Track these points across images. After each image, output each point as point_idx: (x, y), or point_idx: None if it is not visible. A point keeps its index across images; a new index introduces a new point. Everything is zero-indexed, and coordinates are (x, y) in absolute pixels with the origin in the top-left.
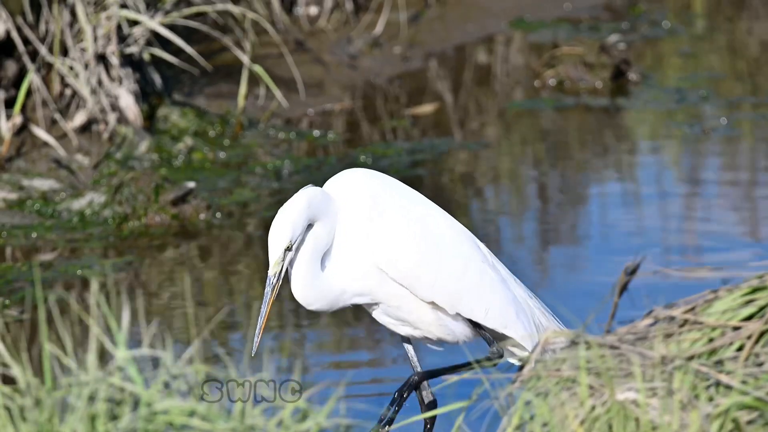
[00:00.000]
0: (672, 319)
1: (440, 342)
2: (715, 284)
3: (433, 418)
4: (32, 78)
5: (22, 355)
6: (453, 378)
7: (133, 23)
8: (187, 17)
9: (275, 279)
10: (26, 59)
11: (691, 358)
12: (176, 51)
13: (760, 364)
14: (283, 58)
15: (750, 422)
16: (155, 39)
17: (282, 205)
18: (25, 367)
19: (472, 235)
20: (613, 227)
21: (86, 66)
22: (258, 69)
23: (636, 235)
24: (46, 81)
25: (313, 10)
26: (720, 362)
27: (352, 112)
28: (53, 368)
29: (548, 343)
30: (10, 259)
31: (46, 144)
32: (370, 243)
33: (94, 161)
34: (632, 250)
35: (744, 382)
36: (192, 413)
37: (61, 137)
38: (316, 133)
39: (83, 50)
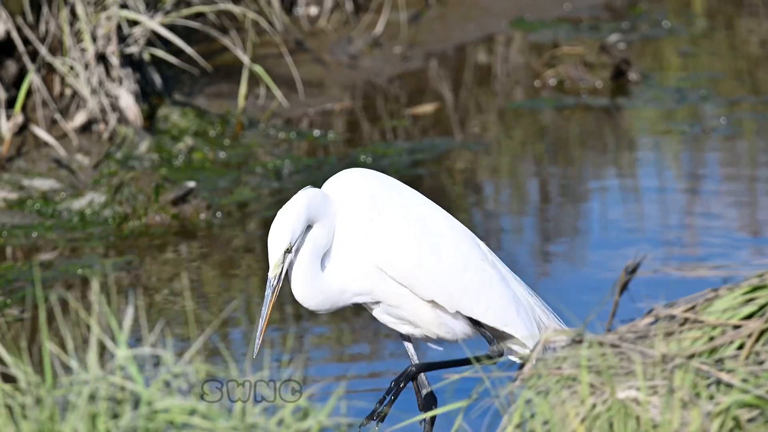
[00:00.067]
0: (672, 317)
1: (440, 341)
2: (716, 283)
3: (433, 417)
4: (32, 78)
5: (22, 354)
6: (454, 376)
7: (133, 23)
8: (187, 17)
9: (275, 281)
10: (26, 59)
11: (691, 356)
12: (176, 51)
13: (761, 363)
14: (284, 58)
15: (751, 420)
16: (155, 39)
17: (282, 205)
18: (25, 366)
19: (471, 233)
20: (614, 226)
21: (86, 66)
22: (258, 69)
23: (636, 233)
24: (47, 81)
25: (313, 10)
26: (720, 361)
27: (353, 111)
28: (54, 367)
29: (549, 341)
30: (11, 259)
31: (46, 144)
32: (369, 243)
33: (94, 161)
34: (632, 249)
35: (744, 381)
36: (193, 412)
37: (62, 137)
38: (317, 132)
39: (83, 50)
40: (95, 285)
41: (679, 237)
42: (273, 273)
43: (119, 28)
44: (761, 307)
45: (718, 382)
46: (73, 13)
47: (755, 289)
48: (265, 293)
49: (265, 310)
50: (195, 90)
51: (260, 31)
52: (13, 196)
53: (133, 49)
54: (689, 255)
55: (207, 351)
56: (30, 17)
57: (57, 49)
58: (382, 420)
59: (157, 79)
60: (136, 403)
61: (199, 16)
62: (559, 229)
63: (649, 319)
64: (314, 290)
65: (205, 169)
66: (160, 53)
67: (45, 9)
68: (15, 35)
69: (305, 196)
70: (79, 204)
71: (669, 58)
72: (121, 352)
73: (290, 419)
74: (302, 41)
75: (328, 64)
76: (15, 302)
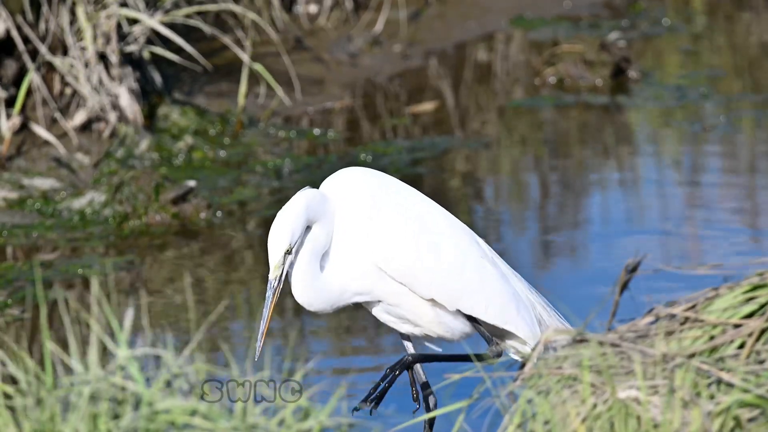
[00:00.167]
0: (673, 316)
1: (440, 340)
2: (716, 282)
3: (433, 417)
4: (32, 77)
5: (22, 354)
6: (454, 376)
7: (133, 22)
8: (186, 16)
9: (276, 283)
10: (26, 58)
11: (692, 355)
12: (176, 49)
13: (762, 362)
14: (283, 57)
15: (751, 420)
16: (155, 38)
17: (282, 204)
18: (26, 367)
19: (471, 231)
20: (614, 225)
21: (86, 65)
22: (258, 67)
23: (636, 232)
24: (46, 80)
25: (313, 8)
26: (721, 360)
27: (353, 110)
28: (55, 367)
29: (549, 341)
30: (11, 259)
31: (46, 143)
32: (369, 242)
33: (94, 160)
34: (633, 248)
35: (745, 380)
36: (193, 412)
37: (62, 136)
38: (317, 131)
39: (83, 49)
40: (95, 285)
41: (680, 235)
42: (273, 274)
43: (119, 26)
44: (762, 306)
45: (719, 381)
46: (73, 12)
47: (756, 287)
48: (266, 295)
49: (266, 311)
50: (195, 89)
51: (260, 29)
52: (14, 195)
53: (133, 48)
54: (689, 254)
55: (208, 351)
56: (30, 16)
57: (57, 47)
58: (375, 407)
59: (157, 78)
60: (137, 403)
61: (199, 14)
62: (560, 227)
63: (649, 319)
64: (315, 291)
65: (205, 168)
66: (160, 51)
67: (45, 8)
68: (15, 34)
69: (304, 197)
70: (79, 203)
71: (669, 56)
72: (122, 352)
73: (291, 419)
74: (302, 39)
75: (328, 62)
76: (15, 302)
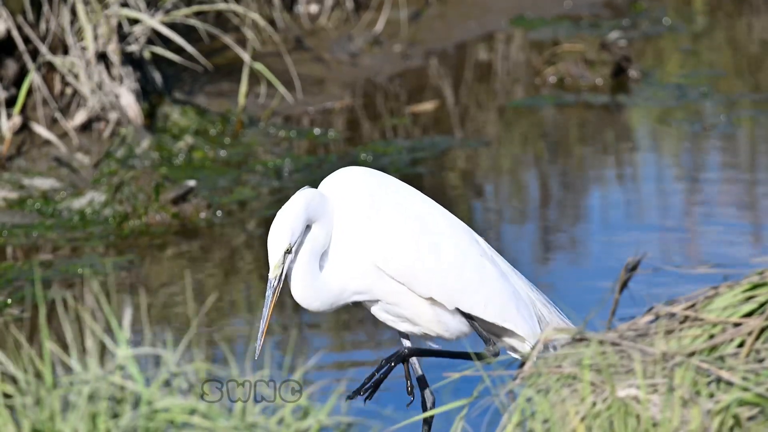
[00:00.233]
0: (673, 315)
1: (438, 338)
2: (716, 280)
3: (430, 416)
4: (33, 77)
5: (22, 354)
6: (454, 375)
7: (134, 22)
8: (187, 16)
9: (276, 282)
10: (27, 58)
11: (691, 354)
12: (177, 49)
13: (761, 361)
14: (284, 57)
15: (751, 418)
16: (156, 37)
17: (282, 203)
18: (25, 366)
19: (470, 230)
20: (614, 224)
21: (87, 65)
22: (259, 66)
23: (636, 231)
24: (47, 80)
25: (314, 8)
26: (721, 359)
27: (353, 110)
28: (54, 367)
29: (549, 340)
30: (11, 258)
31: (46, 143)
32: (368, 241)
33: (94, 160)
34: (633, 247)
35: (745, 379)
36: (193, 411)
37: (62, 136)
38: (317, 131)
39: (84, 49)
40: (95, 284)
41: (679, 234)
42: (273, 274)
43: (120, 26)
44: (761, 305)
45: (719, 380)
46: (74, 12)
47: (755, 286)
48: (266, 294)
49: (266, 311)
50: (195, 88)
51: (261, 29)
52: (14, 195)
53: (133, 48)
54: (689, 252)
55: (207, 350)
56: (30, 16)
57: (57, 47)
58: (370, 397)
59: (158, 78)
60: (137, 402)
61: (199, 14)
62: (560, 225)
63: (649, 317)
64: (314, 291)
65: (206, 167)
66: (161, 51)
67: (45, 7)
68: (15, 34)
69: (303, 196)
70: (79, 203)
71: (669, 56)
72: (121, 352)
73: (290, 418)
74: (302, 39)
75: (329, 62)
76: (15, 302)
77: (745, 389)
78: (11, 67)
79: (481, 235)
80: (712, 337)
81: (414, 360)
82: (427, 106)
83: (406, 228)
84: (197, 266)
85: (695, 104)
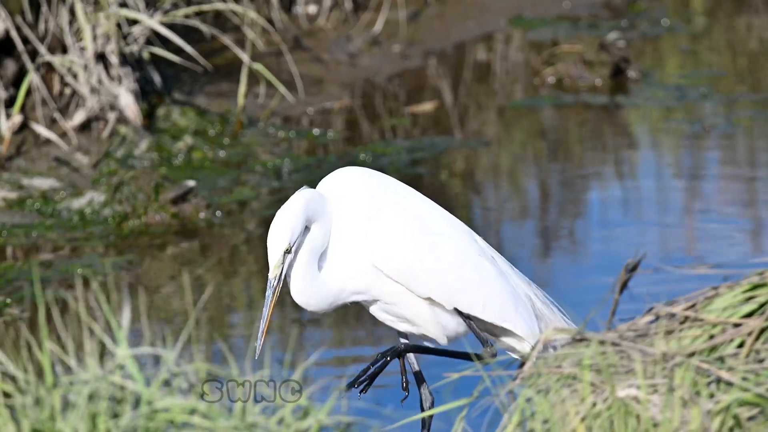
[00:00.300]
0: (673, 316)
1: (436, 339)
2: (716, 281)
3: (430, 416)
4: (32, 77)
5: (22, 353)
6: (453, 375)
7: (133, 22)
8: (186, 16)
9: (276, 282)
10: (26, 58)
11: (691, 354)
12: (176, 50)
13: (761, 361)
14: (282, 57)
15: (751, 418)
16: (155, 38)
17: (282, 204)
18: (25, 366)
19: (469, 229)
20: (613, 224)
21: (86, 65)
22: (258, 66)
23: (636, 232)
24: (46, 80)
25: (312, 8)
26: (721, 359)
27: (352, 110)
28: (54, 367)
29: (549, 340)
30: (11, 258)
31: (46, 143)
32: (367, 241)
33: (93, 160)
34: (633, 247)
35: (745, 379)
36: (193, 411)
37: (61, 136)
38: (316, 131)
39: (83, 49)
40: (95, 285)
41: (679, 234)
42: (273, 274)
43: (119, 26)
44: (761, 305)
45: (719, 380)
46: (73, 12)
47: (755, 287)
48: (266, 294)
49: (266, 311)
50: (194, 89)
51: (260, 29)
52: (13, 195)
53: (132, 48)
54: (689, 253)
55: (207, 350)
56: (29, 16)
57: (56, 48)
58: (365, 390)
59: (157, 78)
60: (137, 402)
61: (198, 14)
62: (559, 225)
63: (649, 318)
64: (313, 291)
65: (205, 168)
66: (160, 52)
67: (44, 8)
68: (14, 34)
69: (303, 196)
70: (78, 203)
71: (668, 56)
72: (121, 351)
73: (290, 418)
74: (301, 40)
75: (327, 62)
76: (15, 302)
77: (745, 389)
78: (10, 67)
79: (480, 234)
80: (712, 337)
81: (411, 356)
82: (427, 106)
83: (406, 228)
84: (197, 266)
85: (694, 104)
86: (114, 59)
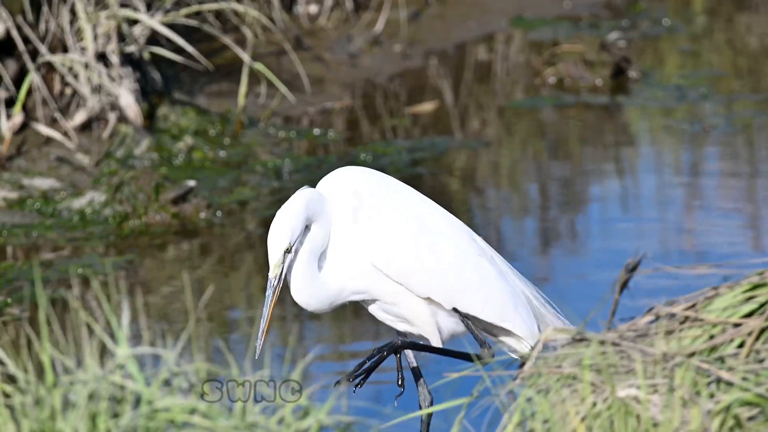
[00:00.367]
0: (673, 316)
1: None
2: (716, 281)
3: (429, 415)
4: (32, 77)
5: (22, 353)
6: (453, 375)
7: (133, 22)
8: (187, 16)
9: (276, 281)
10: (26, 58)
11: (692, 354)
12: (176, 50)
13: (761, 361)
14: (283, 57)
15: (751, 418)
16: (155, 38)
17: (282, 204)
18: (25, 366)
19: (469, 229)
20: (614, 224)
21: (86, 65)
22: (259, 66)
23: (636, 232)
24: (47, 80)
25: (313, 8)
26: (721, 359)
27: (353, 110)
28: (54, 366)
29: (549, 340)
30: (11, 258)
31: (46, 143)
32: (367, 241)
33: (94, 160)
34: (632, 247)
35: (745, 379)
36: (193, 411)
37: (62, 136)
38: (317, 131)
39: (83, 49)
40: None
41: (679, 234)
42: (273, 273)
43: (119, 26)
44: (761, 305)
45: (719, 380)
46: (73, 12)
47: (755, 287)
48: (266, 294)
49: (266, 310)
50: (195, 89)
51: (260, 29)
52: (14, 195)
53: (133, 48)
54: (689, 253)
55: (207, 349)
56: (30, 16)
57: (57, 47)
58: (360, 385)
59: (157, 78)
60: (137, 402)
61: (199, 14)
62: (559, 226)
63: (649, 318)
64: (313, 291)
65: (205, 168)
66: (161, 52)
67: (45, 8)
68: (15, 34)
69: (303, 196)
70: (79, 203)
71: (669, 56)
72: (121, 351)
73: (290, 418)
74: (302, 39)
75: (328, 62)
76: (15, 301)
77: (745, 389)
78: (11, 67)
79: (480, 233)
80: (712, 337)
81: (409, 352)
82: (427, 106)
83: (406, 228)
84: (197, 266)
85: (695, 105)
86: (115, 59)
